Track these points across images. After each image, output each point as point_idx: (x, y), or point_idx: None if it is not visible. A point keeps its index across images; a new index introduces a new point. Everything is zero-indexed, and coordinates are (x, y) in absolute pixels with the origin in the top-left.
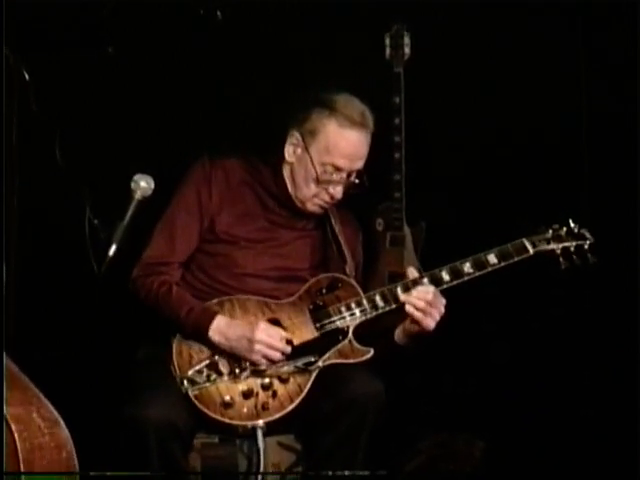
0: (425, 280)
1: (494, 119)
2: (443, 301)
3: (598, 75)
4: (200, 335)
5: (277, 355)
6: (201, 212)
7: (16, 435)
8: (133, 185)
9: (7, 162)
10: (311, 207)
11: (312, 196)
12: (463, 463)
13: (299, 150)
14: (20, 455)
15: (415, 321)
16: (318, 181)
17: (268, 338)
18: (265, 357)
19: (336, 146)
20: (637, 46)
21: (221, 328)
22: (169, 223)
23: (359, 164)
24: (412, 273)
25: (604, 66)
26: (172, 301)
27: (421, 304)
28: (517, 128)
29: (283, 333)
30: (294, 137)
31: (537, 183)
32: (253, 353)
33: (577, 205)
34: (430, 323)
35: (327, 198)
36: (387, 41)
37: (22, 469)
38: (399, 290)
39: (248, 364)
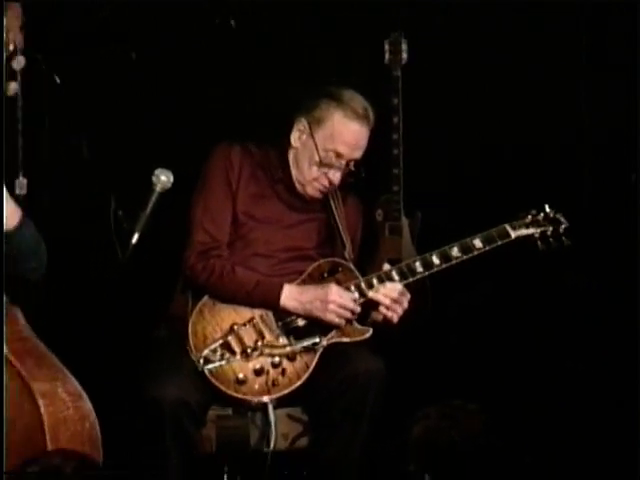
0: (395, 273)
1: (486, 118)
2: (408, 296)
3: (597, 76)
4: (271, 305)
5: (349, 314)
6: (231, 192)
7: (42, 409)
8: (154, 179)
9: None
10: (311, 190)
11: (312, 179)
12: (465, 433)
13: (304, 136)
14: (46, 428)
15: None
16: (320, 164)
17: (340, 299)
18: (339, 316)
19: (340, 134)
20: (637, 46)
21: (293, 295)
22: (208, 207)
23: (358, 154)
24: (386, 266)
25: (603, 68)
26: (237, 278)
27: (387, 301)
28: (509, 126)
29: (352, 294)
30: (301, 124)
31: (529, 180)
32: (327, 313)
33: (569, 196)
34: (394, 317)
35: (326, 182)
36: (386, 47)
37: (48, 441)
38: (375, 280)
39: (259, 344)
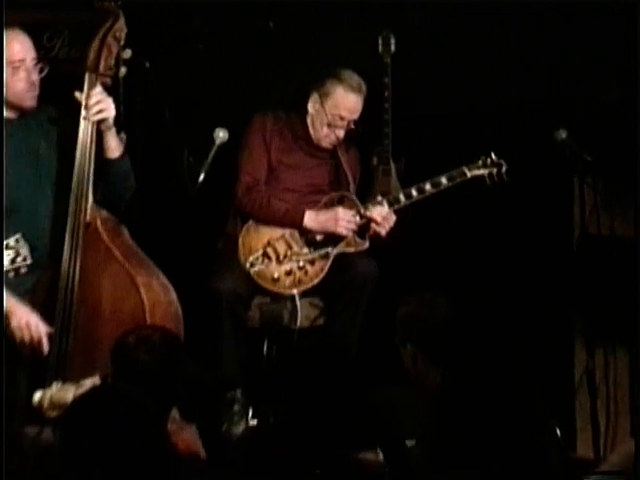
0: (384, 202)
1: (458, 91)
2: (393, 217)
3: (597, 76)
4: (296, 225)
5: (352, 227)
6: (266, 146)
7: (143, 295)
8: (215, 135)
9: None
10: (324, 143)
11: (324, 136)
12: (437, 312)
13: (317, 105)
14: (146, 308)
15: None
16: (329, 125)
17: (346, 217)
18: (346, 229)
19: (342, 103)
20: (637, 46)
21: (312, 217)
22: (250, 157)
23: (356, 115)
24: (379, 197)
25: (603, 68)
26: (272, 208)
27: (378, 218)
28: (477, 97)
29: (355, 215)
30: (314, 97)
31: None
32: (338, 227)
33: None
34: (382, 230)
35: (334, 137)
36: (379, 41)
37: (147, 318)
38: (370, 206)
39: (288, 253)
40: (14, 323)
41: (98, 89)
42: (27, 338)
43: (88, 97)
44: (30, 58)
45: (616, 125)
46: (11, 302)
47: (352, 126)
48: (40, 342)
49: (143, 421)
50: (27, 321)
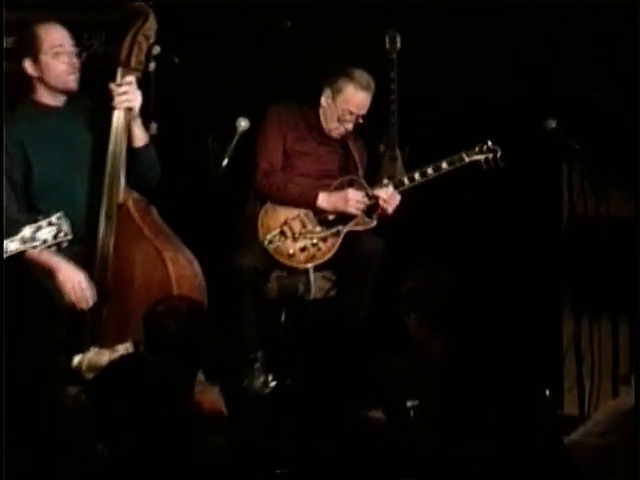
0: (390, 184)
1: (458, 86)
2: (399, 197)
3: (597, 77)
4: (310, 206)
5: (361, 207)
6: (282, 135)
7: (170, 269)
8: (237, 124)
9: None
10: (334, 134)
11: (335, 128)
12: (439, 285)
13: (329, 100)
14: (173, 280)
15: (380, 206)
16: (339, 119)
17: (356, 197)
18: (355, 209)
19: (352, 100)
20: (637, 46)
21: (325, 198)
22: (267, 145)
23: (364, 111)
24: (385, 180)
25: (603, 68)
26: (288, 191)
27: (385, 196)
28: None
29: (364, 196)
30: (327, 92)
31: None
32: (349, 207)
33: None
34: (388, 208)
35: (343, 130)
36: (386, 39)
37: (174, 290)
38: (378, 188)
39: (303, 231)
40: (60, 277)
41: (129, 79)
42: (73, 290)
43: (118, 87)
44: (68, 44)
45: (606, 117)
46: (54, 260)
47: (360, 121)
48: (86, 293)
49: (171, 387)
50: (73, 273)
